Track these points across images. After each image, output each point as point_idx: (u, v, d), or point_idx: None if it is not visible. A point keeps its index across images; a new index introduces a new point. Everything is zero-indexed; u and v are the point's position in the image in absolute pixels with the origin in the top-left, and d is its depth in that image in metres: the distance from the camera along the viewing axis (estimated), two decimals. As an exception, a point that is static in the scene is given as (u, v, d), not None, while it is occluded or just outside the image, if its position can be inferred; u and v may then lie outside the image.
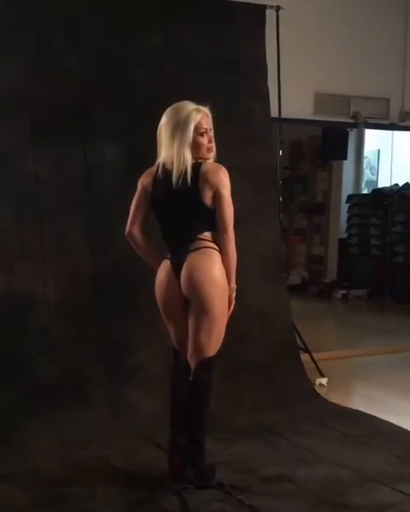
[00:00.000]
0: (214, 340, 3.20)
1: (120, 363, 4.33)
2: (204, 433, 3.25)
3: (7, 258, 4.27)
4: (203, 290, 3.11)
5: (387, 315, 8.53)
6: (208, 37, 4.93)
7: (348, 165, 10.47)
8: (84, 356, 4.29)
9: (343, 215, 10.60)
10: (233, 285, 3.22)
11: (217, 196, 3.13)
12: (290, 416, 4.25)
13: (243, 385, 4.49)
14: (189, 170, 3.10)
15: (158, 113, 3.28)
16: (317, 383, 5.10)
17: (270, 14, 5.31)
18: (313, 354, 5.35)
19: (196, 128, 3.14)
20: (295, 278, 10.53)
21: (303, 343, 5.32)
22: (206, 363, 3.20)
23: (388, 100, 6.78)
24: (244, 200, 4.63)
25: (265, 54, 5.20)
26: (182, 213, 3.18)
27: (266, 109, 5.20)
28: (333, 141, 8.85)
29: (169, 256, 3.24)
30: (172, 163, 3.12)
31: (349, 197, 10.53)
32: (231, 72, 5.01)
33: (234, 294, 3.24)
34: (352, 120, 6.65)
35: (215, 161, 3.24)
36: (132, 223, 3.28)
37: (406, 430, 4.09)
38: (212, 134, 3.22)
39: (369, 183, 10.99)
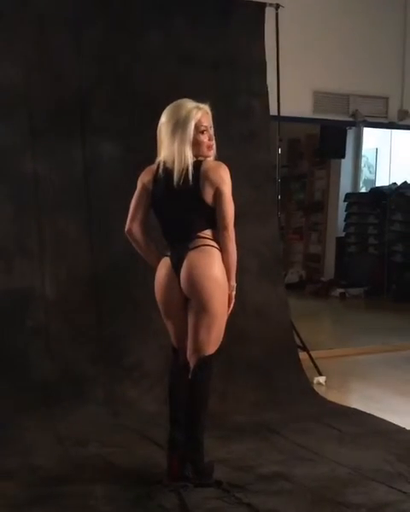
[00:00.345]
0: (214, 338, 3.20)
1: (118, 361, 4.34)
2: (203, 431, 3.25)
3: (5, 255, 4.27)
4: (203, 288, 3.11)
5: (385, 313, 8.53)
6: (208, 34, 4.93)
7: (346, 164, 10.48)
8: (82, 353, 4.29)
9: (341, 214, 10.60)
10: (233, 283, 3.22)
11: (218, 194, 3.13)
12: (289, 415, 4.25)
13: (241, 383, 4.49)
14: (190, 168, 3.10)
15: (157, 110, 3.27)
16: (315, 381, 5.10)
17: (269, 12, 5.31)
18: (311, 352, 5.35)
19: (197, 126, 3.14)
20: (292, 276, 10.54)
21: (301, 341, 5.32)
22: (205, 362, 3.20)
23: (387, 98, 6.80)
24: (243, 198, 4.62)
25: (264, 52, 5.19)
26: (182, 211, 3.18)
27: (265, 107, 5.19)
28: (331, 139, 8.87)
29: (169, 253, 3.24)
30: (173, 161, 3.12)
31: (347, 196, 10.54)
32: (230, 70, 5.00)
33: (234, 292, 3.23)
34: (351, 119, 6.67)
35: (215, 159, 3.24)
36: (132, 220, 3.28)
37: (404, 429, 4.09)
38: (212, 132, 3.22)
39: (367, 181, 11.00)
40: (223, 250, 3.16)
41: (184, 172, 3.10)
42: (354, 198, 10.50)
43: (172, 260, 3.20)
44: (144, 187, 3.25)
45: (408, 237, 9.47)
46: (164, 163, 3.16)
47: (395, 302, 9.10)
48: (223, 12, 5.02)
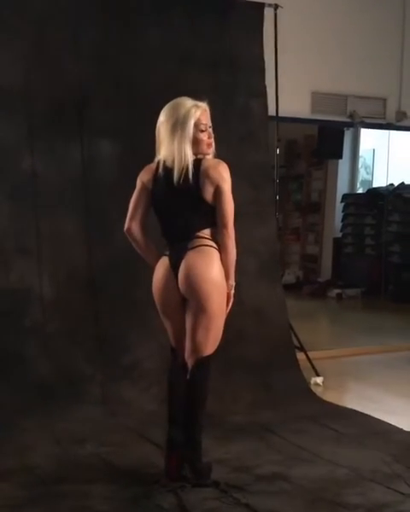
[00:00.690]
0: (212, 339, 3.20)
1: (115, 361, 4.33)
2: (201, 431, 3.25)
3: (3, 254, 4.26)
4: (201, 289, 3.10)
5: (381, 314, 8.53)
6: (206, 34, 4.93)
7: (343, 165, 10.47)
8: (80, 353, 4.29)
9: (338, 214, 10.59)
10: (232, 282, 3.21)
11: (218, 192, 3.12)
12: (286, 415, 4.25)
13: (238, 383, 4.49)
14: (190, 166, 3.09)
15: (155, 109, 3.27)
16: (312, 382, 5.10)
17: (268, 12, 5.31)
18: (309, 353, 5.35)
19: (196, 124, 3.13)
20: (289, 277, 10.52)
21: (299, 342, 5.32)
22: (203, 362, 3.20)
23: (385, 100, 6.82)
24: (241, 198, 4.59)
25: (263, 52, 5.19)
26: (182, 210, 3.17)
27: (264, 107, 5.19)
28: (329, 140, 8.88)
29: (167, 253, 3.23)
30: (173, 160, 3.11)
31: (344, 196, 10.53)
32: (228, 70, 5.00)
33: (233, 292, 3.23)
34: (349, 119, 6.67)
35: (215, 157, 3.24)
36: (131, 219, 3.27)
37: (401, 429, 4.09)
38: (211, 129, 3.22)
39: (364, 182, 11.00)
40: (222, 249, 3.15)
41: (184, 171, 3.09)
42: (351, 199, 10.49)
43: (170, 260, 3.20)
44: (144, 186, 3.25)
45: (405, 238, 9.47)
46: (164, 162, 3.16)
47: (392, 303, 9.10)
48: (222, 12, 5.02)
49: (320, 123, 7.56)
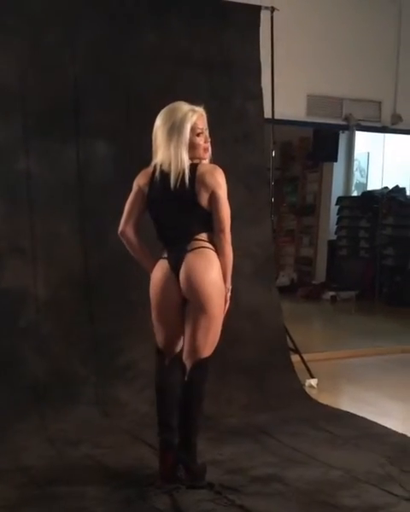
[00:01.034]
0: (210, 340, 3.21)
1: (110, 362, 4.32)
2: (197, 434, 3.25)
3: (-3, 254, 4.24)
4: (202, 290, 3.11)
5: (375, 317, 8.56)
6: (202, 36, 4.93)
7: (338, 168, 10.50)
8: (74, 354, 4.27)
9: (333, 217, 10.62)
10: (229, 285, 3.24)
11: (213, 198, 3.14)
12: (280, 417, 4.25)
13: (233, 385, 4.48)
14: (186, 171, 3.11)
15: (151, 111, 3.28)
16: (307, 384, 5.11)
17: (264, 15, 5.31)
18: (303, 355, 5.36)
19: (193, 129, 3.15)
20: (284, 279, 10.54)
21: (294, 344, 5.32)
22: (202, 364, 3.21)
23: (380, 103, 6.83)
24: (236, 201, 4.58)
25: (259, 54, 5.20)
26: (179, 214, 3.18)
27: (260, 110, 5.19)
28: (324, 143, 8.90)
29: (166, 255, 3.23)
30: (170, 164, 3.12)
31: (339, 199, 10.55)
32: (224, 72, 5.00)
33: (229, 294, 3.25)
34: (344, 122, 6.69)
35: (210, 161, 3.24)
36: (126, 222, 3.28)
37: (395, 432, 4.10)
38: (207, 134, 3.23)
39: (359, 185, 11.03)
40: (219, 253, 3.17)
41: (180, 175, 3.10)
42: (345, 202, 10.52)
43: (170, 262, 3.20)
44: (140, 189, 3.25)
45: (399, 241, 9.50)
46: (160, 166, 3.16)
47: (386, 305, 9.12)
48: (218, 14, 5.02)
49: (316, 126, 7.57)
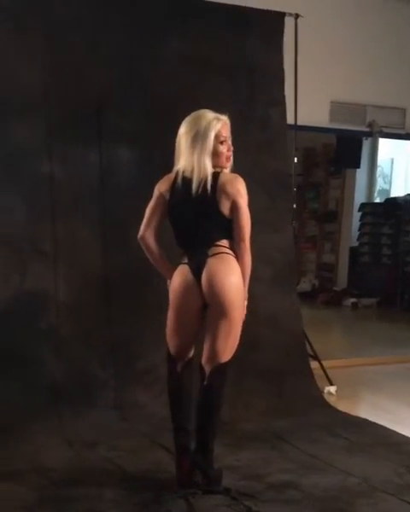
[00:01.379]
0: (230, 345, 3.22)
1: (129, 365, 4.35)
2: (214, 438, 3.26)
3: (19, 257, 4.28)
4: (224, 294, 3.13)
5: (397, 324, 8.49)
6: (226, 43, 4.94)
7: (361, 174, 10.46)
8: (93, 357, 4.31)
9: (355, 223, 10.58)
10: (245, 294, 3.25)
11: (234, 207, 3.16)
12: (298, 423, 4.24)
13: (251, 390, 4.48)
14: (209, 178, 3.13)
15: (174, 116, 3.30)
16: (326, 391, 5.09)
17: (288, 21, 5.32)
18: (323, 362, 5.34)
19: (217, 137, 3.17)
20: (305, 285, 10.51)
21: (313, 350, 5.31)
22: (221, 369, 3.22)
23: (404, 109, 6.80)
24: (258, 206, 4.61)
25: (282, 61, 5.20)
26: (200, 221, 3.21)
27: (282, 116, 5.19)
28: (347, 149, 8.86)
29: (186, 261, 3.25)
30: (192, 171, 3.15)
31: (362, 206, 10.51)
32: (247, 79, 5.01)
33: (246, 302, 3.28)
34: (367, 129, 6.66)
35: (232, 170, 3.27)
36: (146, 227, 3.30)
37: (414, 441, 4.08)
38: (230, 142, 3.25)
39: (382, 191, 10.97)
40: (239, 260, 3.20)
41: (202, 182, 3.13)
42: (368, 208, 10.47)
43: (191, 267, 3.22)
44: (161, 195, 3.28)
45: (422, 248, 9.45)
46: (183, 172, 3.19)
47: (407, 313, 9.06)
48: (242, 20, 5.03)
49: (338, 132, 7.54)
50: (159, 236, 3.32)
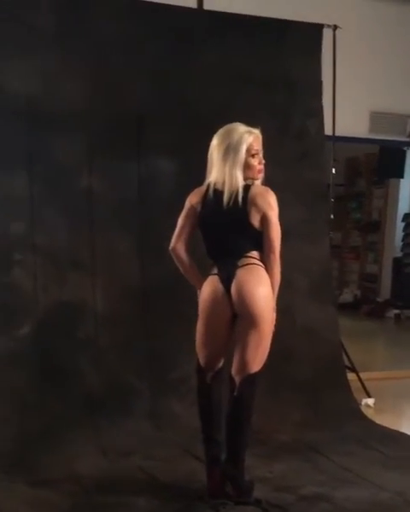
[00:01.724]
0: (260, 355, 3.24)
1: (164, 375, 4.39)
2: (245, 449, 3.27)
3: (58, 267, 4.36)
4: (254, 304, 3.15)
5: (440, 337, 8.39)
6: (264, 54, 4.96)
7: (404, 184, 10.34)
8: (130, 367, 4.36)
9: (399, 234, 10.47)
10: (274, 304, 3.27)
11: (265, 220, 3.19)
12: (333, 436, 4.22)
13: (286, 401, 4.48)
14: (240, 191, 3.17)
15: (212, 129, 3.34)
16: (363, 403, 5.05)
17: (326, 33, 5.32)
18: (362, 374, 5.29)
19: (248, 150, 3.21)
20: (347, 296, 10.43)
21: (350, 362, 5.27)
22: (251, 379, 3.24)
23: (446, 119, 6.70)
24: (295, 217, 4.66)
25: (320, 72, 5.20)
26: (230, 232, 3.24)
27: (320, 127, 5.19)
28: (389, 159, 8.78)
29: (216, 271, 3.28)
30: (223, 183, 3.19)
31: (405, 216, 10.40)
32: (285, 91, 5.02)
33: (275, 314, 3.29)
34: (408, 139, 6.60)
35: (263, 183, 3.30)
36: (178, 239, 3.36)
37: None
38: (262, 155, 3.28)
39: (426, 202, 10.83)
40: (269, 272, 3.22)
41: (234, 194, 3.17)
42: (412, 218, 10.36)
43: (221, 278, 3.25)
44: (192, 207, 3.33)
45: None
46: (214, 184, 3.23)
47: None
48: (280, 32, 5.05)
49: (379, 143, 7.48)
50: (190, 247, 3.37)
